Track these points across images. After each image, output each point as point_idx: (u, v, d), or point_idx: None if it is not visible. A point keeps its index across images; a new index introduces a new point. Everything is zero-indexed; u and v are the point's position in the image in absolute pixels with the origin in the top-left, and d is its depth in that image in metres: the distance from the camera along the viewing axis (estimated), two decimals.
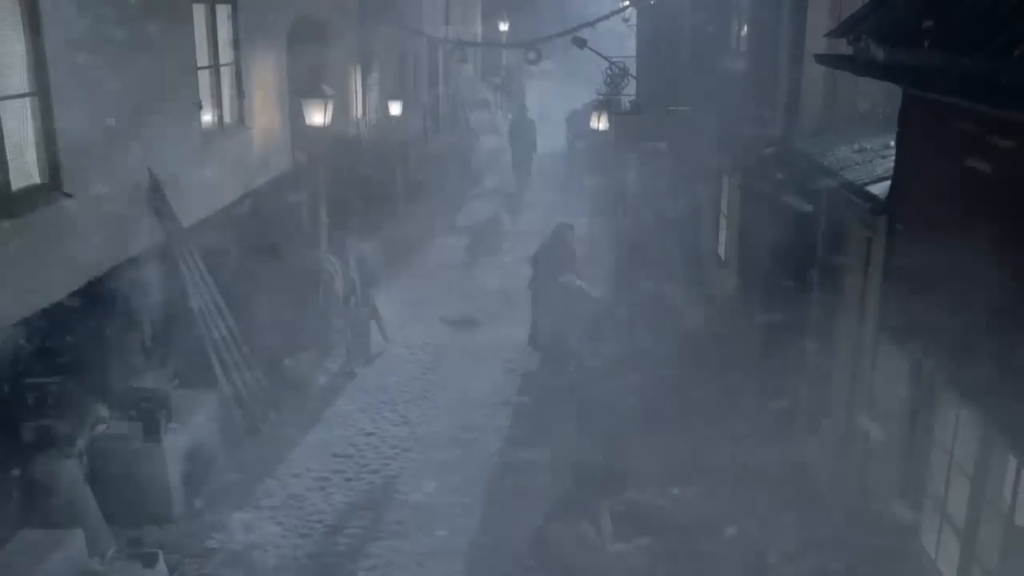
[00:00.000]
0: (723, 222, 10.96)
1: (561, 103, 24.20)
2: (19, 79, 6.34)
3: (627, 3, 18.60)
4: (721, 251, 10.99)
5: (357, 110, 15.12)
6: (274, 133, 11.12)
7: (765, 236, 8.34)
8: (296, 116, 11.61)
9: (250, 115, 10.32)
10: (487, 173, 20.25)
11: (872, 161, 6.50)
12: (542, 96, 26.07)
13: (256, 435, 8.60)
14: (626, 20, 21.06)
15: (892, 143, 6.70)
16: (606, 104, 14.17)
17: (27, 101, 6.42)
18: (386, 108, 16.41)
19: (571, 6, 26.76)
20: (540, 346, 10.59)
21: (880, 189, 5.66)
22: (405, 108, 16.94)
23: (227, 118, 9.90)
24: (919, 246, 4.91)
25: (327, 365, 10.22)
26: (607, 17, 15.72)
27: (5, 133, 6.12)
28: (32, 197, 6.44)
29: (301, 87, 11.39)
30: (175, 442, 7.26)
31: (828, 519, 5.71)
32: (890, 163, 6.20)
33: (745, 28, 9.39)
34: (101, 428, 7.19)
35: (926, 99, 4.88)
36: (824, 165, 6.83)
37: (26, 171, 6.50)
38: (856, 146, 6.94)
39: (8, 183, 6.18)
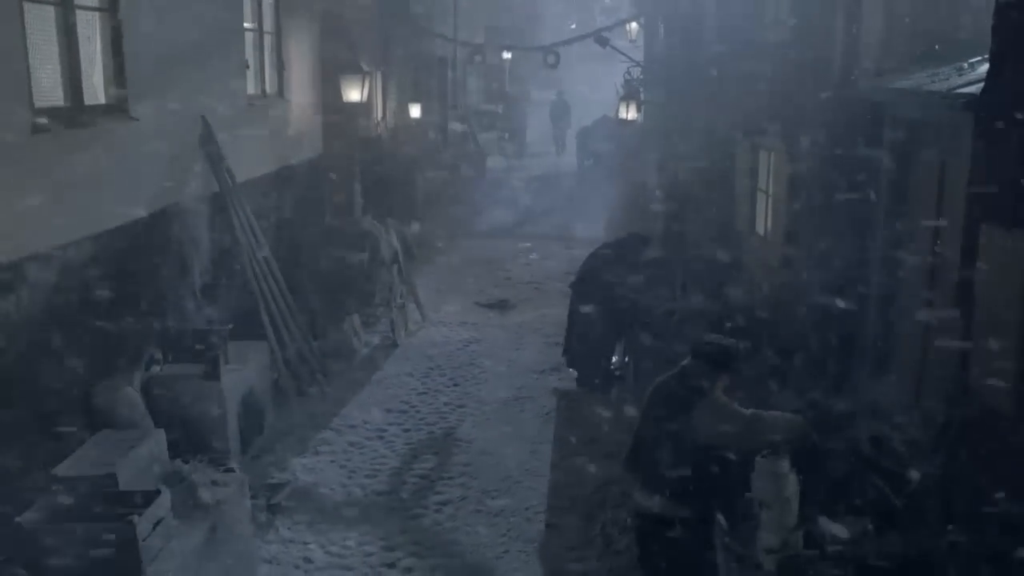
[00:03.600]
0: (760, 198, 10.93)
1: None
2: None
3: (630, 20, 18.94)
4: (760, 228, 10.93)
5: (378, 113, 15.16)
6: (308, 114, 11.05)
7: (821, 194, 8.28)
8: (328, 110, 11.60)
9: (288, 88, 10.26)
10: (500, 187, 20.21)
11: (949, 79, 6.47)
12: (543, 122, 26.27)
13: (304, 396, 8.33)
14: (632, 41, 21.42)
15: (966, 64, 6.76)
16: (634, 94, 14.20)
17: (97, 16, 6.32)
18: (404, 115, 16.46)
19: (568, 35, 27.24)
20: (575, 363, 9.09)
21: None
22: (421, 116, 17.00)
23: (268, 88, 9.84)
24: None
25: (368, 336, 9.97)
26: (622, 23, 16.08)
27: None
28: (102, 113, 6.31)
29: (329, 86, 11.40)
30: (233, 383, 6.99)
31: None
32: (968, 77, 6.21)
33: None
34: (155, 369, 6.96)
35: None
36: (896, 88, 6.84)
37: (94, 91, 6.37)
38: (926, 73, 6.93)
39: (81, 94, 6.05)
